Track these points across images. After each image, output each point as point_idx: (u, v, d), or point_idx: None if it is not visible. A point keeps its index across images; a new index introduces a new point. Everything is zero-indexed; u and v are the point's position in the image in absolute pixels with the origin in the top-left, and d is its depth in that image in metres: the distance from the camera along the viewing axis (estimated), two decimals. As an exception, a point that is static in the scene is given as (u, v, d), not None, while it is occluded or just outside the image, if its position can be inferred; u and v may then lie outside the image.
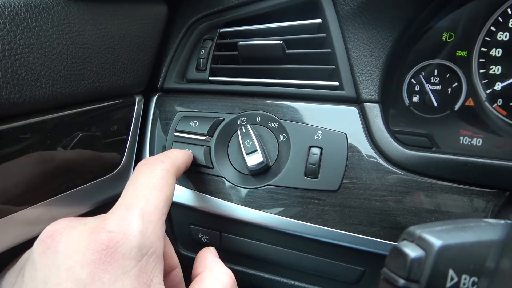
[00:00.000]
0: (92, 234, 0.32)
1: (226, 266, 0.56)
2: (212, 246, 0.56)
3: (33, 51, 0.41)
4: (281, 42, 0.54)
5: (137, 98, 0.58)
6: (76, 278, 0.30)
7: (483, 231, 0.24)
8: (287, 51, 0.55)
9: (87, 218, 0.36)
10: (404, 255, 0.23)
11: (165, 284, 0.35)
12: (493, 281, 0.17)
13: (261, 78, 0.57)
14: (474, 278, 0.22)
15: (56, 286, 0.30)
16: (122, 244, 0.32)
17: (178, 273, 0.44)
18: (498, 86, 0.51)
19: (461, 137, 0.53)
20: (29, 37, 0.40)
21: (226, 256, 0.55)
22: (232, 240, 0.54)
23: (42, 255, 0.32)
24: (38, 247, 0.33)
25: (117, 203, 0.37)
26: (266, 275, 0.55)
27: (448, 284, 0.21)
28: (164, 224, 0.38)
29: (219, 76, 0.60)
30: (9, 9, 0.39)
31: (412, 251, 0.23)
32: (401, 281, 0.22)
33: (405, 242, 0.24)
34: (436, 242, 0.22)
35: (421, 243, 0.23)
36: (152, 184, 0.39)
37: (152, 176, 0.40)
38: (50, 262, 0.32)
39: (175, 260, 0.44)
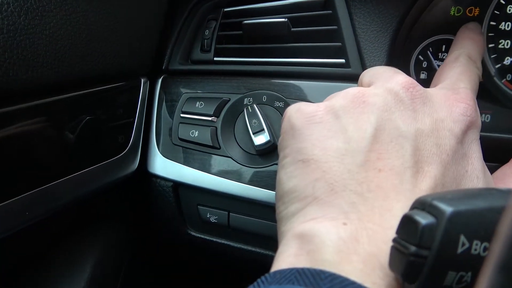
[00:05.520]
0: (450, 101, 0.34)
1: (235, 246, 0.56)
2: (221, 226, 0.56)
3: (37, 31, 0.41)
4: (286, 20, 0.53)
5: (142, 80, 0.58)
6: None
7: (495, 198, 0.23)
8: (292, 29, 0.54)
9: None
10: (415, 222, 0.22)
11: None
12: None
13: (266, 57, 0.56)
14: (486, 244, 0.22)
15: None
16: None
17: None
18: (508, 60, 0.50)
19: (470, 113, 0.52)
20: (33, 17, 0.40)
21: (235, 236, 0.56)
22: (240, 220, 0.55)
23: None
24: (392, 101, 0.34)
25: (447, 83, 0.39)
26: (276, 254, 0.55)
27: (460, 249, 0.21)
28: None
29: (224, 56, 0.60)
30: (12, -11, 0.38)
31: (423, 218, 0.22)
32: (412, 248, 0.22)
33: (415, 210, 0.24)
34: (447, 208, 0.22)
35: (432, 210, 0.23)
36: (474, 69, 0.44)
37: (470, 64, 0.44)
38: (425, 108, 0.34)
39: None
